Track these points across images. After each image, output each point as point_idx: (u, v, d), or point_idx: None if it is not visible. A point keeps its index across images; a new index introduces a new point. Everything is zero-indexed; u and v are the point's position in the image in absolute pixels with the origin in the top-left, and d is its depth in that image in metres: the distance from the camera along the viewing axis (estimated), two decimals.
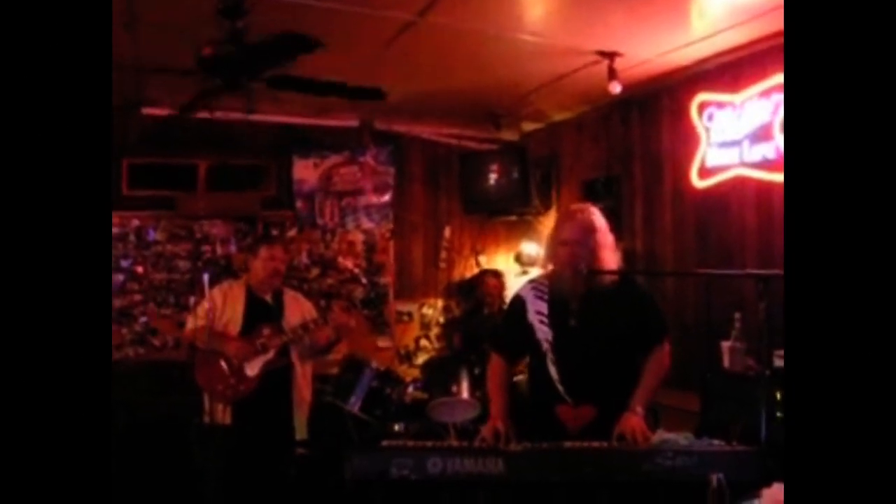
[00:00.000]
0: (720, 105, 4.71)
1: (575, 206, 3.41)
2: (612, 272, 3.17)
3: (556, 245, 3.22)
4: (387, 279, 6.83)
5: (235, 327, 4.45)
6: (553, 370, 3.17)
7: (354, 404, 5.01)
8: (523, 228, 6.99)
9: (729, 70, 4.69)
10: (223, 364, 4.35)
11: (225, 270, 6.05)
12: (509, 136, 7.12)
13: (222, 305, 4.47)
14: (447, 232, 7.06)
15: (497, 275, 6.39)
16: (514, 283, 6.30)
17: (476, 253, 7.16)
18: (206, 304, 4.26)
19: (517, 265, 6.86)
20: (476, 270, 7.05)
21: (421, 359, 6.63)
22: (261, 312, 4.53)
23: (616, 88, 4.74)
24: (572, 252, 3.12)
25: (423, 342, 6.86)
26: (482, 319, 5.98)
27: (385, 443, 3.02)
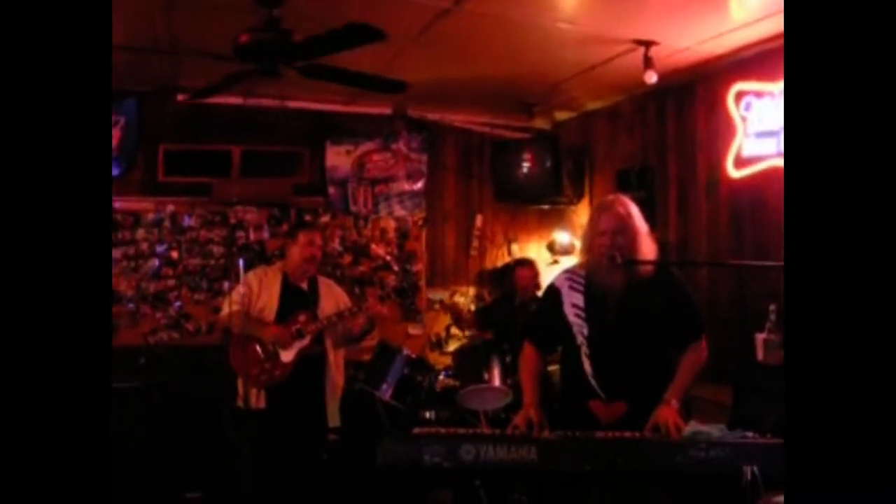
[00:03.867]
0: (758, 94, 4.65)
1: (610, 196, 3.38)
2: (648, 262, 3.14)
3: (593, 236, 3.20)
4: (418, 267, 6.84)
5: (271, 313, 4.49)
6: (587, 364, 3.15)
7: (386, 391, 5.04)
8: (556, 217, 6.97)
9: (767, 59, 4.61)
10: (258, 349, 4.40)
11: (259, 256, 6.09)
12: (542, 124, 7.10)
13: (258, 290, 4.51)
14: (479, 220, 7.05)
15: (528, 264, 6.33)
16: (547, 271, 6.29)
17: (508, 241, 7.14)
18: (241, 289, 4.30)
19: (549, 254, 6.84)
20: (508, 259, 7.04)
21: (452, 346, 6.63)
22: (296, 299, 4.56)
23: (652, 78, 4.70)
24: (611, 242, 3.10)
25: (454, 330, 6.86)
26: (512, 308, 5.96)
27: (417, 430, 3.03)
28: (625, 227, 3.11)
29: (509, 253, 7.11)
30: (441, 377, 5.49)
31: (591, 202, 6.60)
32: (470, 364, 5.17)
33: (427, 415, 5.15)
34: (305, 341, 4.45)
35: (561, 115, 6.95)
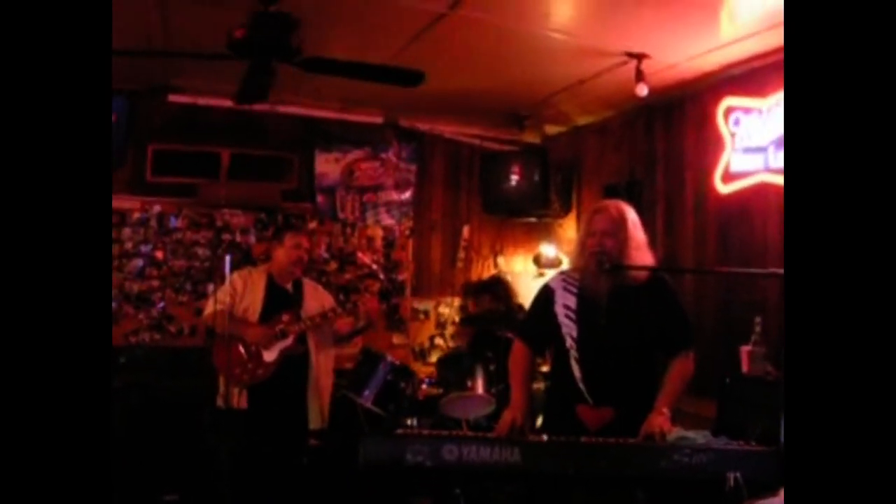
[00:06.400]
0: (747, 110, 4.69)
1: (608, 200, 3.40)
2: (635, 268, 3.14)
3: (584, 237, 3.20)
4: (404, 276, 6.83)
5: (254, 313, 4.47)
6: (576, 368, 3.14)
7: (368, 397, 5.01)
8: (542, 230, 6.99)
9: (756, 75, 4.67)
10: (241, 348, 4.38)
11: (245, 259, 6.06)
12: (532, 138, 7.12)
13: (242, 290, 4.50)
14: (466, 231, 7.05)
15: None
16: (533, 284, 6.29)
17: (494, 253, 7.14)
18: (226, 288, 4.28)
19: (535, 267, 6.85)
20: (493, 272, 7.03)
21: (435, 357, 6.61)
22: (280, 300, 4.55)
23: (643, 91, 4.73)
24: (599, 243, 3.10)
25: (438, 341, 6.85)
26: (495, 319, 5.93)
27: (400, 430, 3.02)
28: (616, 231, 3.11)
29: (495, 265, 7.11)
30: (424, 386, 5.47)
31: (578, 216, 6.63)
32: (453, 372, 5.14)
33: (409, 422, 5.12)
34: (288, 341, 4.44)
35: (551, 130, 6.98)
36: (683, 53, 4.64)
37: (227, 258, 3.86)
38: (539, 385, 4.82)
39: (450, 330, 6.90)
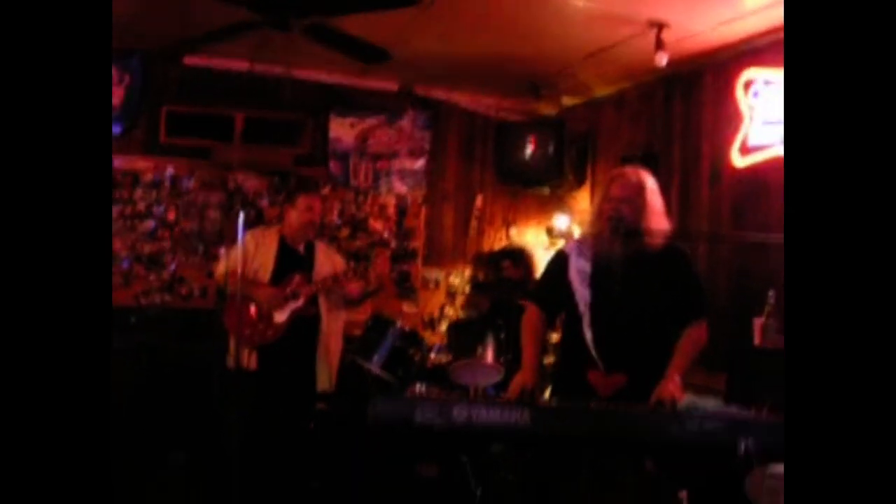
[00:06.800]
0: (767, 82, 4.62)
1: (628, 166, 3.36)
2: (649, 234, 3.10)
3: (601, 202, 3.17)
4: (416, 244, 6.81)
5: (266, 274, 4.47)
6: (588, 334, 3.11)
7: (376, 363, 5.00)
8: (555, 202, 6.94)
9: (777, 47, 4.58)
10: (252, 309, 4.37)
11: (256, 220, 6.04)
12: (548, 110, 7.06)
13: (254, 251, 4.49)
14: (479, 201, 7.00)
15: (517, 259, 6.19)
16: (545, 256, 6.26)
17: (507, 224, 7.11)
18: (238, 248, 4.27)
19: (547, 238, 6.82)
20: (504, 242, 7.00)
21: (444, 326, 6.60)
22: (292, 262, 4.54)
23: (663, 60, 4.68)
24: (616, 208, 3.07)
25: (448, 310, 6.84)
26: (512, 286, 5.91)
27: (410, 392, 3.01)
28: (634, 197, 3.08)
29: (507, 236, 7.08)
30: (433, 355, 5.46)
31: (592, 189, 6.58)
32: (464, 338, 5.13)
33: (417, 388, 5.11)
34: (299, 303, 4.44)
35: (568, 101, 6.91)
36: (705, 22, 4.57)
37: (241, 215, 3.83)
38: (549, 359, 4.81)
39: (460, 300, 6.89)
